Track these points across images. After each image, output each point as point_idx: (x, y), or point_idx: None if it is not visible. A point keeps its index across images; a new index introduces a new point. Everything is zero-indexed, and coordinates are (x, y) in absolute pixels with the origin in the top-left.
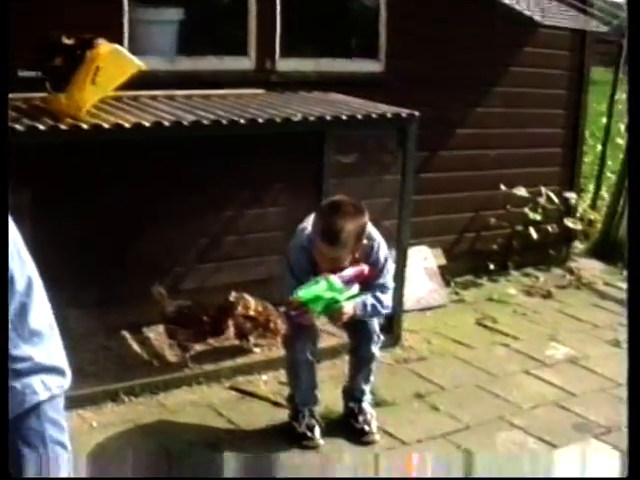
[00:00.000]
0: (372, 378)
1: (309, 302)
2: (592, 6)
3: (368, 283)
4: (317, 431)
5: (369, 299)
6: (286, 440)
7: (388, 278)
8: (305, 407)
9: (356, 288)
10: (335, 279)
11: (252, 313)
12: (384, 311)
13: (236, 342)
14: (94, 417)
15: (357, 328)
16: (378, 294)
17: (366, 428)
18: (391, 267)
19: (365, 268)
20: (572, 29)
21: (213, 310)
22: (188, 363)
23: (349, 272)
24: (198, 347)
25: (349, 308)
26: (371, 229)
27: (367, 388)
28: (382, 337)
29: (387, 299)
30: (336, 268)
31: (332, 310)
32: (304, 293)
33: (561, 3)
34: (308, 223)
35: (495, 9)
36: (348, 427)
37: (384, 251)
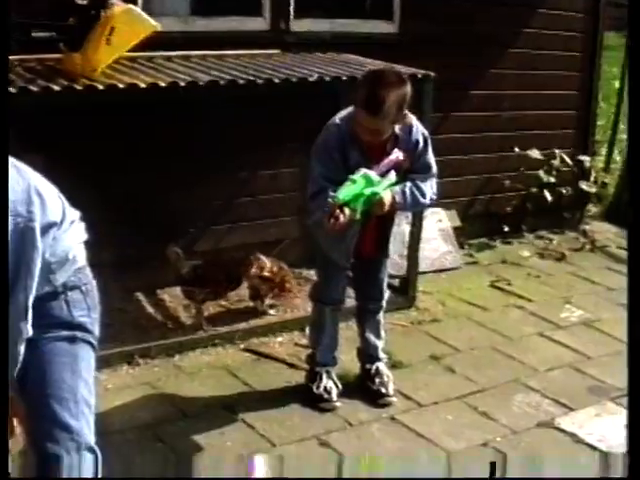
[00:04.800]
0: (383, 333)
1: (350, 203)
2: None
3: (408, 169)
4: (334, 393)
5: (408, 186)
6: (302, 402)
7: (431, 159)
8: (323, 368)
9: (393, 175)
10: (371, 173)
11: (267, 274)
12: (425, 201)
13: (251, 304)
14: (109, 379)
15: (362, 281)
16: (419, 182)
17: (382, 390)
18: (431, 148)
19: (400, 154)
20: None
21: (229, 268)
22: (203, 325)
23: (384, 162)
24: (212, 309)
25: (388, 197)
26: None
27: (380, 344)
28: (388, 291)
29: (428, 187)
30: (376, 141)
31: (372, 203)
32: (343, 194)
33: None
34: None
35: None
36: (364, 389)
37: (422, 130)
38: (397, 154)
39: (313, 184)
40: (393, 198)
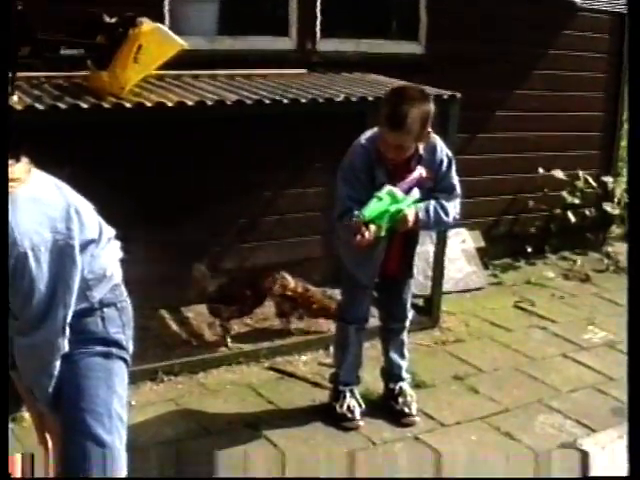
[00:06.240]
0: (406, 353)
1: (375, 219)
2: None
3: (432, 189)
4: (357, 412)
5: (432, 204)
6: (326, 420)
7: (454, 180)
8: (347, 387)
9: (416, 192)
10: (396, 190)
11: (289, 293)
12: (449, 220)
13: (276, 322)
14: (133, 396)
15: (387, 301)
16: (443, 201)
17: (406, 410)
18: (455, 169)
19: (423, 171)
20: (612, 12)
21: (254, 286)
22: (228, 342)
23: (407, 180)
24: (237, 327)
25: (412, 213)
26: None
27: (404, 364)
28: (412, 311)
29: (452, 207)
30: (400, 158)
31: (395, 220)
32: (369, 212)
33: None
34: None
35: None
36: (388, 408)
37: (446, 151)
38: (420, 171)
39: (340, 205)
40: (417, 215)
